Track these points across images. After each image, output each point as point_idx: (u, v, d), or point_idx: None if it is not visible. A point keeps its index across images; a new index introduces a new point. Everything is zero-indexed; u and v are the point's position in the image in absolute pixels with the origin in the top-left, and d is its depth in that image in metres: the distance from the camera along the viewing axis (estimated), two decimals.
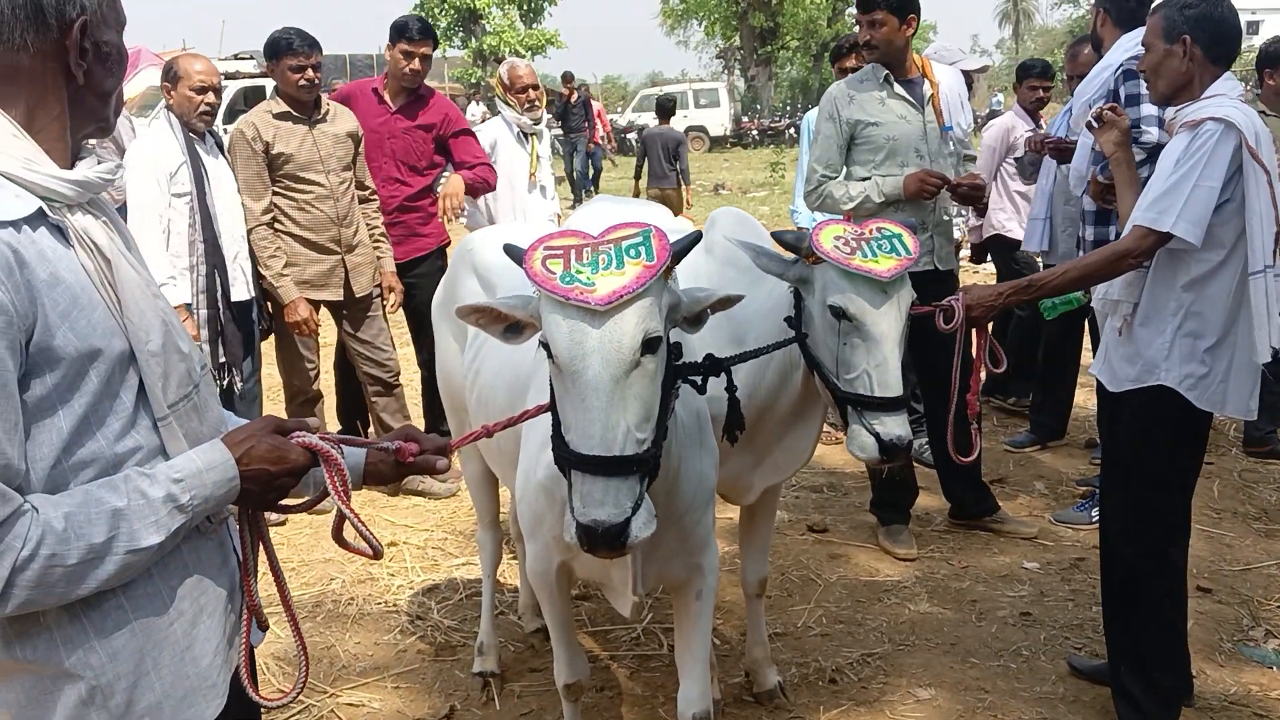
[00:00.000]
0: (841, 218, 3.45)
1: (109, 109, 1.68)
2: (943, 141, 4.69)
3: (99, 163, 1.67)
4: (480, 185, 5.69)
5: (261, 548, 1.85)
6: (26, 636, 1.58)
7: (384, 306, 5.63)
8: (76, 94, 1.62)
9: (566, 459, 2.10)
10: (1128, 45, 4.63)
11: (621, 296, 2.06)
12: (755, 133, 37.50)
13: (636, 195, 14.84)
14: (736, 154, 33.77)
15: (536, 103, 5.96)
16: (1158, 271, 3.15)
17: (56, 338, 1.52)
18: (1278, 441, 5.82)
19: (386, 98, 5.61)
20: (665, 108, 13.53)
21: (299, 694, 1.86)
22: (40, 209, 1.56)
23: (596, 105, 22.19)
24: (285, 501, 1.81)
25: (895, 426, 2.79)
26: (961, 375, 3.31)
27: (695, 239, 2.30)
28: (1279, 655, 3.91)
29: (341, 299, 5.42)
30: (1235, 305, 3.06)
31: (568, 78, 21.67)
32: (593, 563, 2.81)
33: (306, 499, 1.86)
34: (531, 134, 6.09)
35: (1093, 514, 5.10)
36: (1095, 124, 3.42)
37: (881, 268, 2.80)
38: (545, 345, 2.15)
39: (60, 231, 1.59)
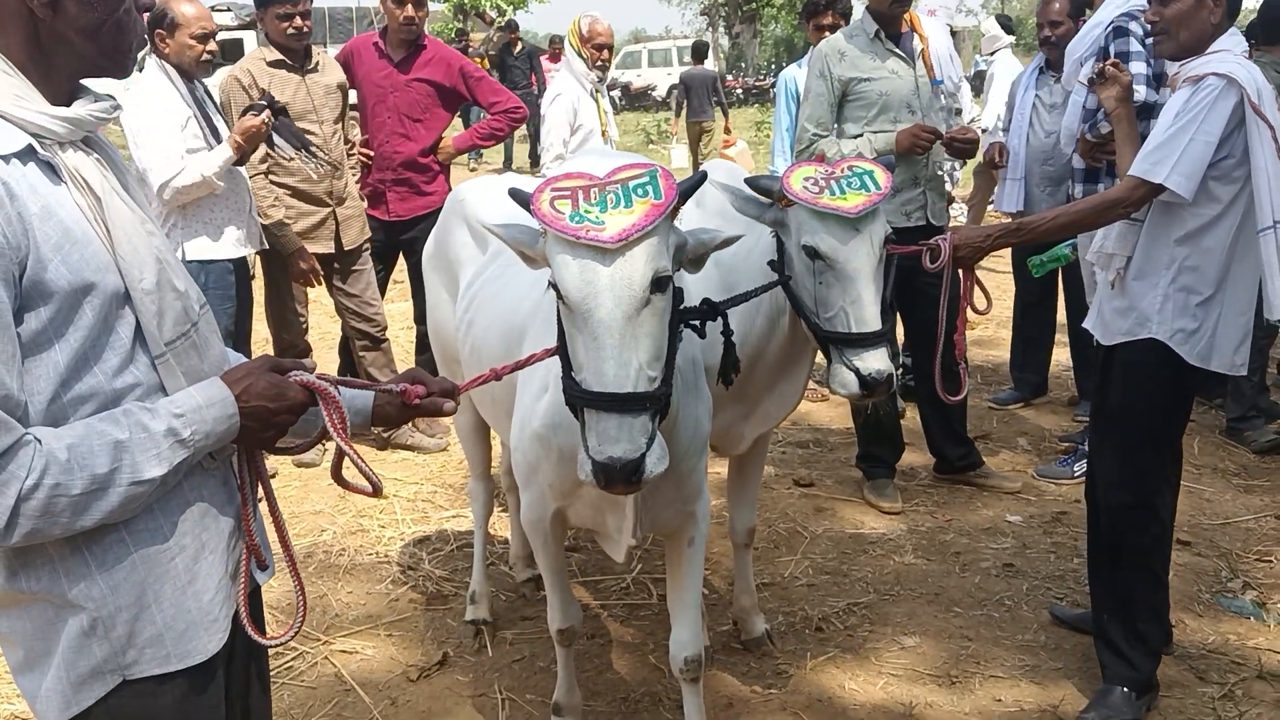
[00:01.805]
0: (813, 159, 3.47)
1: (100, 46, 1.64)
2: (934, 96, 4.69)
3: (94, 101, 1.67)
4: (500, 132, 5.67)
5: (260, 488, 1.86)
6: (31, 568, 1.59)
7: (372, 260, 5.61)
8: (54, 31, 1.60)
9: (579, 398, 2.11)
10: (1119, 1, 4.64)
11: (631, 234, 2.07)
12: (740, 91, 37.29)
13: (675, 134, 15.29)
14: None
15: (606, 63, 5.92)
16: (1152, 225, 3.16)
17: (49, 271, 1.51)
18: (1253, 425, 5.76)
19: (387, 50, 5.56)
20: (700, 50, 15.55)
21: (297, 632, 1.87)
22: (30, 145, 1.56)
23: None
24: (283, 443, 1.82)
25: (874, 361, 2.82)
26: (949, 317, 3.35)
27: (700, 179, 2.31)
28: (1256, 606, 3.97)
29: (331, 251, 5.39)
30: (1229, 261, 3.08)
31: (512, 26, 19.89)
32: (587, 510, 2.84)
33: (304, 440, 1.87)
34: (597, 91, 6.09)
35: (1074, 469, 5.16)
36: (1097, 79, 3.42)
37: (849, 204, 2.82)
38: (554, 285, 2.15)
39: (51, 168, 1.58)
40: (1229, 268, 3.11)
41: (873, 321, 2.83)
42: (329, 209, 5.34)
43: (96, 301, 1.57)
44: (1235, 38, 3.18)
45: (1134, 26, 4.51)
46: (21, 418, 1.50)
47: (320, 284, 5.36)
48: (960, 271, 3.33)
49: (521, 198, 2.26)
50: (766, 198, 2.99)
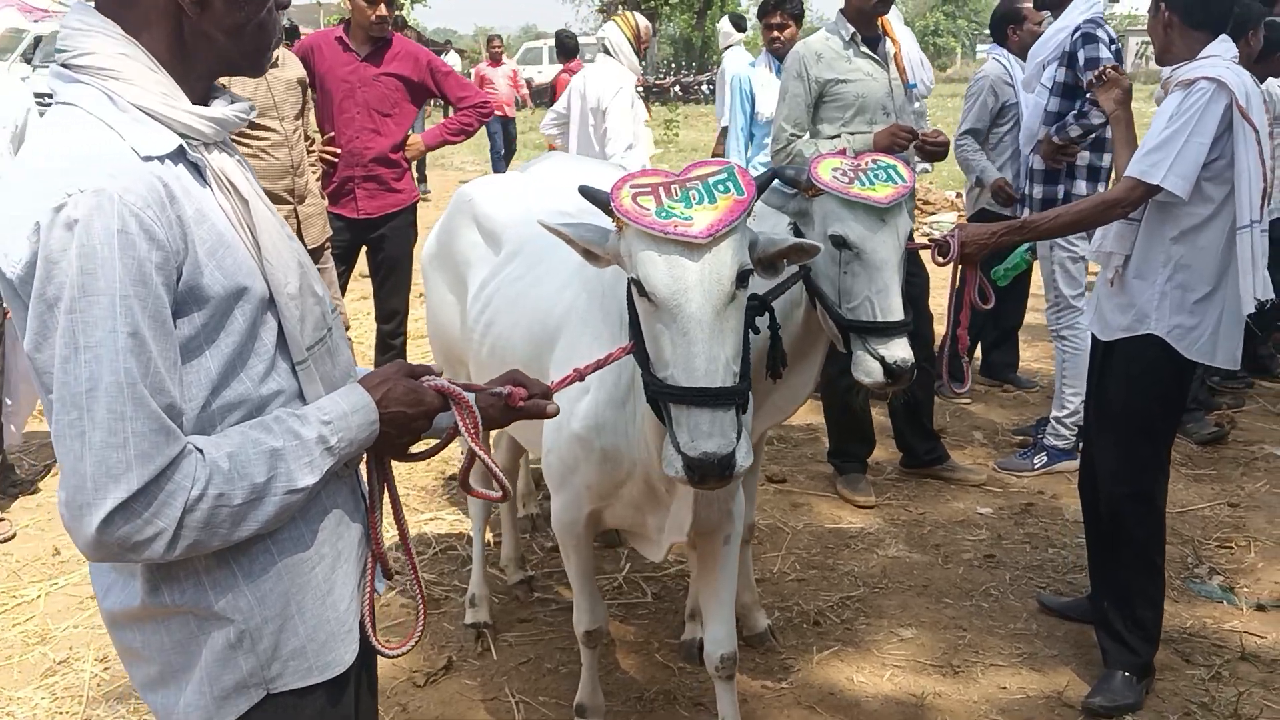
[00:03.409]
0: (838, 151, 3.53)
1: (242, 46, 1.61)
2: (906, 99, 4.79)
3: (232, 101, 1.63)
4: (469, 128, 5.61)
5: (387, 494, 1.84)
6: (175, 580, 1.55)
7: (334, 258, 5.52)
8: (199, 29, 1.56)
9: (667, 394, 2.12)
10: (1084, 6, 4.80)
11: (719, 229, 2.08)
12: (641, 90, 37.38)
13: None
14: None
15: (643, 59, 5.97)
16: (1148, 225, 3.29)
17: (205, 275, 1.48)
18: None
19: (353, 45, 5.46)
20: (568, 46, 15.36)
21: (418, 643, 1.86)
22: (180, 146, 1.52)
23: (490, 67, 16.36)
24: (415, 449, 1.80)
25: (899, 350, 2.88)
26: (954, 311, 3.44)
27: (771, 176, 2.35)
28: (1225, 591, 4.16)
29: None
30: (1224, 259, 3.23)
31: (400, 23, 19.04)
32: (627, 510, 2.85)
33: (434, 444, 1.85)
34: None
35: (1034, 461, 5.33)
36: (1097, 82, 3.54)
37: (879, 194, 2.89)
38: (637, 283, 2.15)
39: (198, 170, 1.55)
40: (1225, 265, 3.25)
41: (898, 310, 2.90)
42: (290, 206, 5.22)
43: (248, 307, 1.54)
44: (1225, 44, 3.32)
45: (1100, 33, 4.68)
46: (180, 426, 1.46)
47: None
48: (965, 267, 3.43)
49: (595, 195, 2.26)
50: (792, 187, 3.04)
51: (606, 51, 6.16)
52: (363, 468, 1.80)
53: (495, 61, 15.66)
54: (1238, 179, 3.15)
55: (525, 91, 16.17)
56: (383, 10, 5.32)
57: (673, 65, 42.39)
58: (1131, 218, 3.31)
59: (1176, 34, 3.29)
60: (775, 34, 6.46)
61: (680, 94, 35.27)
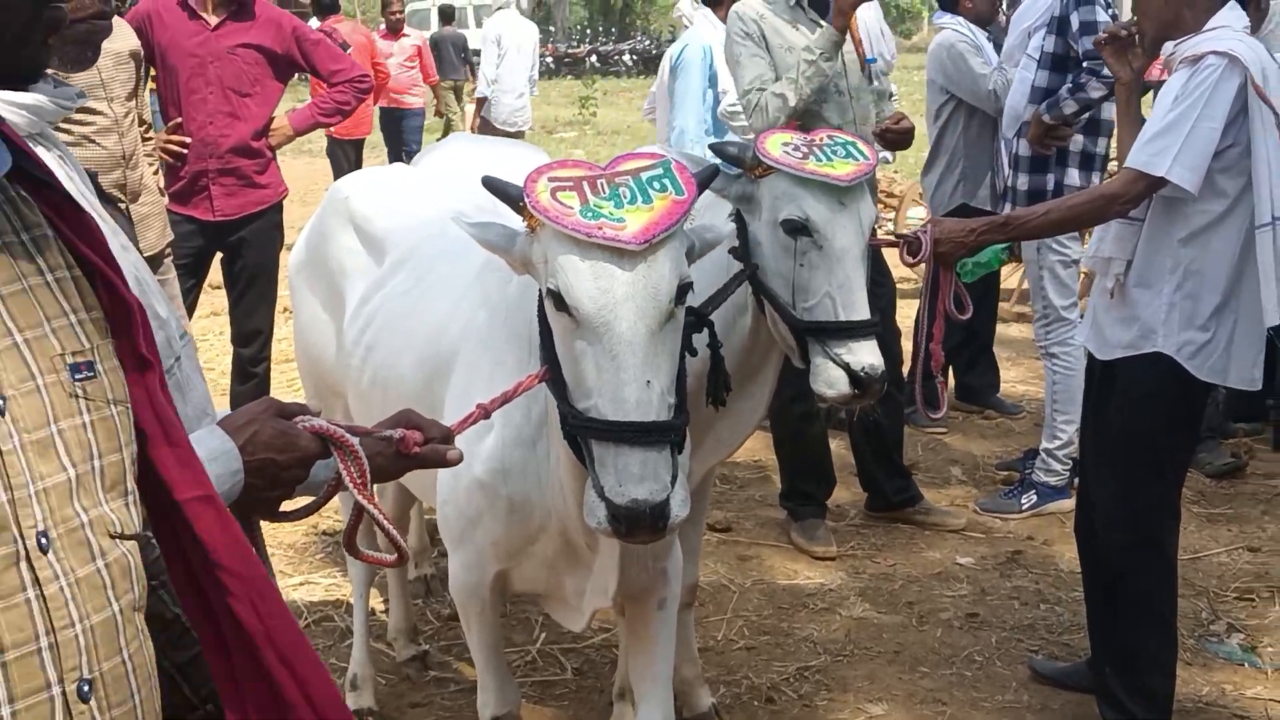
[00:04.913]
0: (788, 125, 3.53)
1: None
2: (864, 76, 4.83)
3: (56, 86, 1.59)
4: (346, 106, 5.58)
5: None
6: None
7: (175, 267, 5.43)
8: None
9: (590, 429, 2.11)
10: None
11: (656, 234, 2.09)
12: (551, 60, 37.50)
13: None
14: None
15: None
16: (1153, 225, 3.36)
17: None
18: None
19: (201, 12, 5.37)
20: (447, 12, 17.50)
21: None
22: None
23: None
24: (286, 506, 1.77)
25: (866, 354, 2.91)
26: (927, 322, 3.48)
27: (713, 172, 2.36)
28: (1246, 651, 4.25)
29: None
30: (1241, 263, 3.30)
31: None
32: (539, 571, 2.84)
33: (312, 500, 1.82)
34: None
35: (1022, 501, 5.41)
36: (1107, 43, 3.57)
37: (839, 172, 2.92)
38: (554, 295, 2.14)
39: None
40: (1241, 270, 3.32)
41: (863, 308, 2.93)
42: (121, 205, 5.13)
43: None
44: (1235, 11, 3.41)
45: None
46: None
47: None
48: (940, 269, 3.47)
49: (501, 188, 2.25)
50: (735, 167, 3.04)
51: None
52: None
53: (393, 33, 12.91)
54: (1256, 169, 3.22)
55: (436, 77, 13.84)
56: None
57: (587, 32, 42.58)
58: (1133, 216, 3.37)
59: (1182, 4, 3.35)
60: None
61: (598, 65, 35.45)
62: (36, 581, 1.17)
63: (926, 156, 6.26)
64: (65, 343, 1.25)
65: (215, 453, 1.60)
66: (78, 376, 1.25)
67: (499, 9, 12.41)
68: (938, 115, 5.97)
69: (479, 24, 35.91)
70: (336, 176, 12.09)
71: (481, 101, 12.01)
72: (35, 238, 1.26)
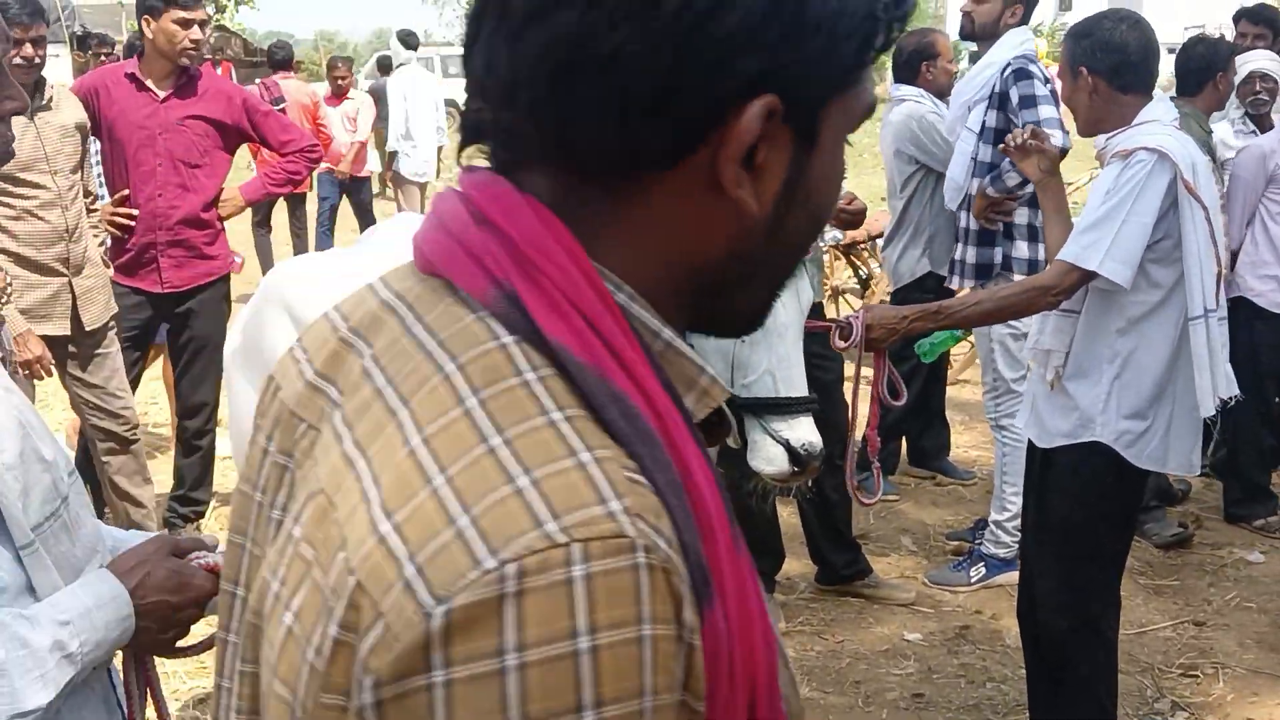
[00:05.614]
0: None
1: None
2: None
3: None
4: (297, 175, 5.57)
5: (151, 699, 1.76)
6: None
7: (120, 342, 5.38)
8: None
9: None
10: (1014, 42, 4.97)
11: None
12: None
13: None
14: None
15: None
16: (1090, 316, 3.38)
17: None
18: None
19: (150, 84, 5.35)
20: (385, 63, 15.92)
21: None
22: None
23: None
24: (184, 643, 1.73)
25: (804, 431, 2.93)
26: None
27: None
28: None
29: (68, 333, 5.13)
30: (1177, 352, 3.34)
31: (214, 45, 15.09)
32: None
33: (204, 639, 1.78)
34: None
35: (970, 574, 5.40)
36: (1015, 149, 3.61)
37: None
38: None
39: None
40: (1177, 359, 3.35)
41: (801, 385, 2.95)
42: (64, 279, 5.08)
43: None
44: (1164, 104, 3.46)
45: (1034, 69, 4.83)
46: None
47: (51, 375, 5.10)
48: (873, 355, 3.48)
49: None
50: None
51: None
52: (118, 663, 1.73)
53: (337, 96, 12.06)
54: (1187, 264, 3.26)
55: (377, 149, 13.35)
56: (197, 34, 5.24)
57: None
58: (1068, 308, 3.39)
59: (1105, 102, 3.39)
60: None
61: None
62: None
63: (888, 229, 6.26)
64: None
65: (104, 598, 1.57)
66: None
67: (400, 65, 12.40)
68: (904, 186, 5.95)
69: (447, 73, 36.07)
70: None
71: (393, 155, 12.08)
72: None
